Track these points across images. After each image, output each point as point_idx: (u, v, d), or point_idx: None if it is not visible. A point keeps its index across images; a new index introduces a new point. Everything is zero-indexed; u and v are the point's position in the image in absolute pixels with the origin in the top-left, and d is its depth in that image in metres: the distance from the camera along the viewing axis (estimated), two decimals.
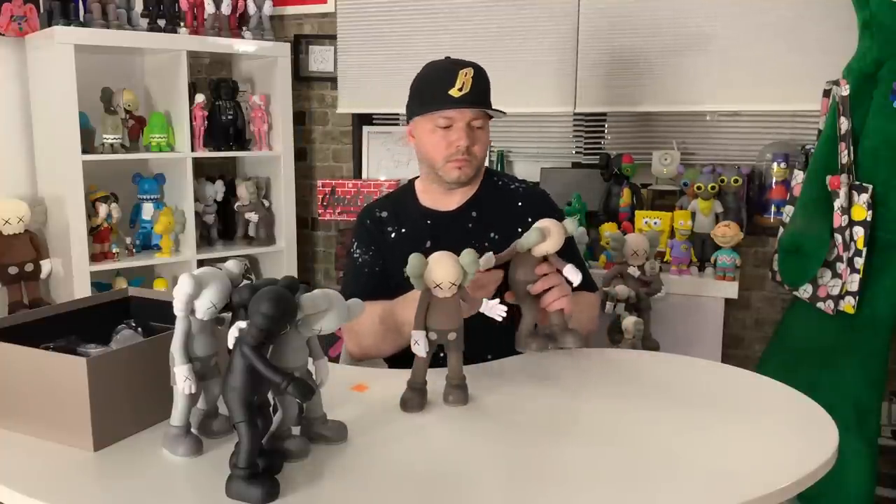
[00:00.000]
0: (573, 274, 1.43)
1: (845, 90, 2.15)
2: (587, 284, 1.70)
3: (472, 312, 1.33)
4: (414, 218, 1.76)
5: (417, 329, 1.28)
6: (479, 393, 1.36)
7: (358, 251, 1.76)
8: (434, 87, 1.64)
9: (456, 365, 1.32)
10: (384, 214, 1.78)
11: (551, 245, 1.41)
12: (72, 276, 2.71)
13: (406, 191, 1.83)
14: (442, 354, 1.34)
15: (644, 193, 2.87)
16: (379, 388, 1.40)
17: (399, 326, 1.58)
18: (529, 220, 1.66)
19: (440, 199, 1.75)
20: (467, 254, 1.27)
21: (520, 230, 1.66)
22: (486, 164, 1.80)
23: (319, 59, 3.39)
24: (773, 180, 2.71)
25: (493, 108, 1.68)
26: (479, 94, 1.64)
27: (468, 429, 1.23)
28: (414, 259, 1.25)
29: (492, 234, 1.72)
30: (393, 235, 1.75)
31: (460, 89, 1.61)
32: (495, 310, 1.29)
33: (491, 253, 1.37)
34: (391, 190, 1.89)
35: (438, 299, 1.28)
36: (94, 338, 1.32)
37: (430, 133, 1.66)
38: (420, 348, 1.28)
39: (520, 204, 1.76)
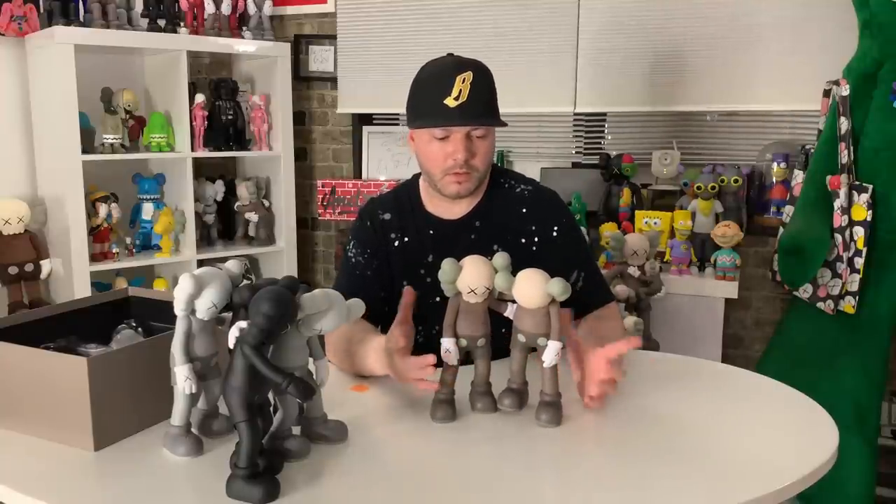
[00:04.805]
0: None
1: (845, 90, 2.15)
2: (605, 295, 1.63)
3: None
4: (418, 227, 1.63)
5: (448, 336, 1.25)
6: None
7: (353, 250, 1.65)
8: (429, 96, 1.51)
9: (483, 371, 1.29)
10: (387, 217, 1.65)
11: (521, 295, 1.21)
12: (72, 276, 2.71)
13: (410, 192, 1.68)
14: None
15: (644, 193, 2.87)
16: (379, 388, 1.40)
17: (355, 358, 1.46)
18: (533, 227, 1.58)
19: (444, 206, 1.62)
20: (500, 257, 1.23)
21: (523, 241, 1.58)
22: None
23: (319, 59, 3.39)
24: (773, 180, 2.71)
25: (494, 117, 1.54)
26: (478, 103, 1.49)
27: (470, 429, 1.23)
28: (447, 265, 1.22)
29: (495, 247, 1.54)
30: (396, 244, 1.63)
31: (457, 98, 1.47)
32: None
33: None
34: (393, 188, 1.78)
35: (470, 305, 1.24)
36: (94, 338, 1.32)
37: (427, 144, 1.53)
38: (452, 357, 1.25)
39: (524, 210, 1.61)
